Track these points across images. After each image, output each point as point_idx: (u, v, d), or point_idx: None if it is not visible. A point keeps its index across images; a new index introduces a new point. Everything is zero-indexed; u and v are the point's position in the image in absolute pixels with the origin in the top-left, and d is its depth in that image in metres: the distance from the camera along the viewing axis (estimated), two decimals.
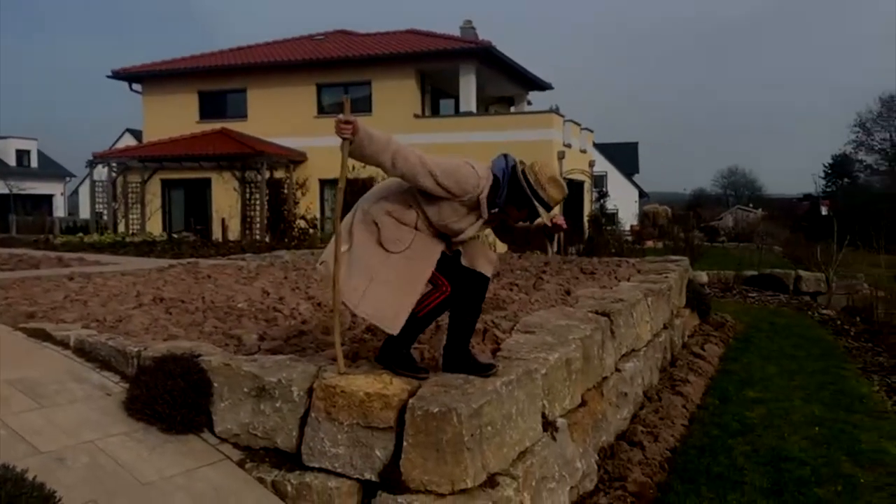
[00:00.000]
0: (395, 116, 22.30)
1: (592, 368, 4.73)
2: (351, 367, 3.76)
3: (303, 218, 17.38)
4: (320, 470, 3.31)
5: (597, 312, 5.31)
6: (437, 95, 25.66)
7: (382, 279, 3.41)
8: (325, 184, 22.86)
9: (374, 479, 3.19)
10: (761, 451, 4.92)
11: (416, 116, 23.28)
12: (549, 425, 3.94)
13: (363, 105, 23.25)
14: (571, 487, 3.98)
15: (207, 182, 23.04)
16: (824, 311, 12.32)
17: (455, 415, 3.07)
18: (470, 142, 21.94)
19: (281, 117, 23.36)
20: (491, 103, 28.22)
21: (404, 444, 3.12)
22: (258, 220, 19.18)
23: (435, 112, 25.42)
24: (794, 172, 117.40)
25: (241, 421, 3.59)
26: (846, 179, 57.48)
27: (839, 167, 58.29)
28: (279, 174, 20.49)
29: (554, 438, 3.91)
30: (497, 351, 4.21)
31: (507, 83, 26.18)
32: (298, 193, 19.30)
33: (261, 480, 3.35)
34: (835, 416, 5.82)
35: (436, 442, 3.06)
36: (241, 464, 3.45)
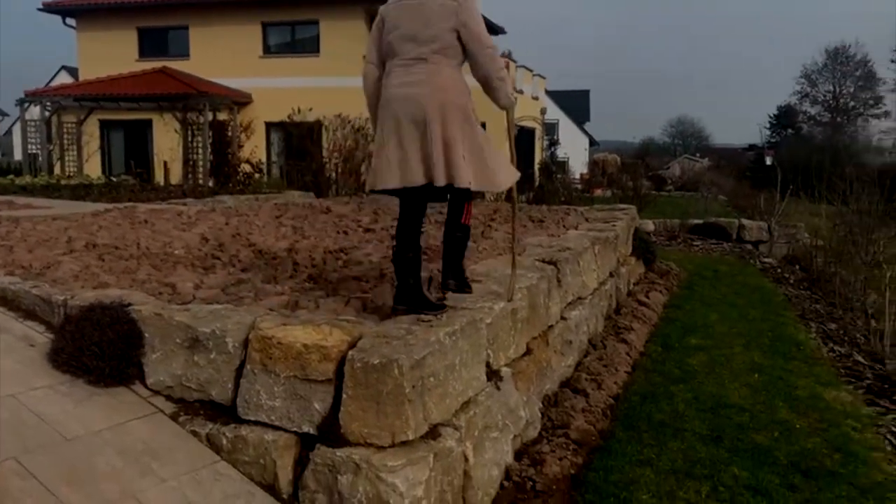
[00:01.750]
0: (344, 58, 21.62)
1: (538, 317, 4.69)
2: (290, 316, 3.64)
3: (248, 162, 16.89)
4: (257, 423, 3.20)
5: (544, 261, 5.26)
6: None
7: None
8: (270, 127, 22.26)
9: (312, 432, 3.10)
10: (702, 397, 5.00)
11: (366, 58, 22.69)
12: (493, 375, 3.89)
13: (311, 45, 22.56)
14: (515, 436, 3.96)
15: (148, 123, 22.19)
16: (766, 260, 12.60)
17: (396, 366, 2.98)
18: None
19: (225, 57, 22.49)
20: None
21: (344, 396, 3.03)
22: (201, 163, 18.59)
23: None
24: (740, 123, 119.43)
25: (173, 373, 3.45)
26: (790, 130, 58.67)
27: (784, 118, 59.42)
28: (223, 116, 19.82)
29: (498, 388, 3.87)
30: (442, 300, 4.13)
31: None
32: (243, 136, 18.72)
33: (195, 434, 3.24)
34: (773, 362, 5.95)
35: (376, 394, 2.98)
36: (174, 417, 3.33)
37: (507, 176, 3.77)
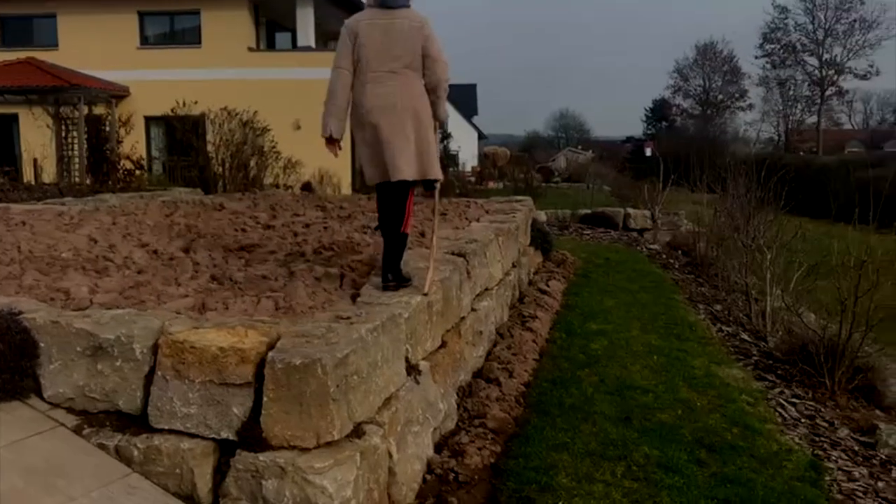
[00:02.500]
0: (228, 50, 20.99)
1: (451, 310, 4.70)
2: (199, 319, 3.48)
3: (128, 158, 16.04)
4: (171, 431, 3.04)
5: (453, 253, 5.28)
6: (272, 28, 24.40)
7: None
8: (151, 121, 21.25)
9: (231, 437, 2.98)
10: (608, 380, 5.17)
11: (251, 50, 22.05)
12: (412, 369, 3.87)
13: (191, 37, 21.69)
14: (434, 429, 3.97)
15: (14, 118, 20.66)
16: (652, 247, 13.20)
17: (320, 366, 2.90)
18: (310, 78, 20.97)
19: (98, 47, 21.22)
20: (331, 38, 27.26)
21: (264, 399, 2.93)
22: (77, 160, 17.49)
23: (271, 46, 24.20)
24: (618, 116, 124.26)
25: (75, 383, 3.23)
26: (664, 123, 61.68)
27: (658, 111, 62.41)
28: (99, 110, 18.69)
29: (417, 382, 3.86)
30: (357, 296, 4.07)
31: (348, 17, 25.32)
32: (122, 132, 17.75)
33: (102, 447, 3.04)
34: (669, 344, 6.23)
35: (299, 395, 2.89)
36: (77, 430, 3.12)
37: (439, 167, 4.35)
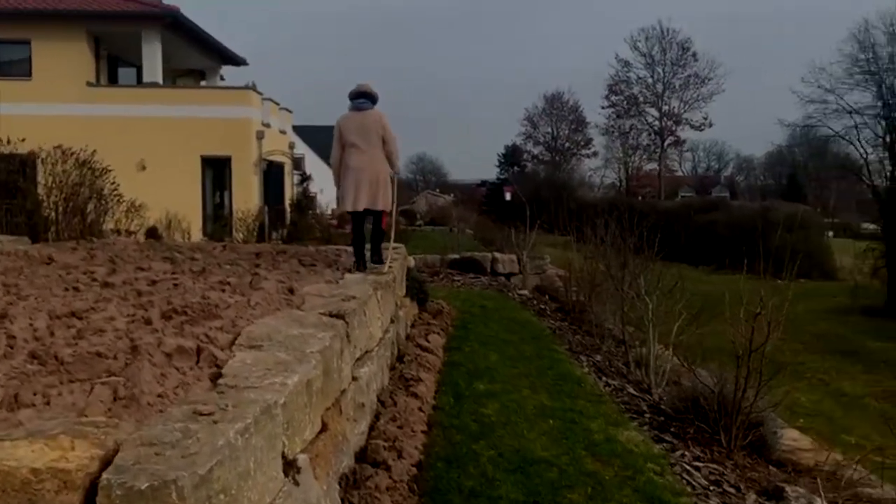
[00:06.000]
0: (63, 84, 19.29)
1: (332, 383, 4.03)
2: (8, 421, 2.63)
3: None
4: None
5: (331, 314, 4.61)
6: (115, 63, 22.73)
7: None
8: None
9: None
10: (506, 454, 4.65)
11: (90, 85, 20.36)
12: (290, 467, 3.16)
13: (20, 69, 19.77)
14: None
15: None
16: (521, 292, 13.02)
17: (175, 489, 2.17)
18: (157, 116, 19.80)
19: None
20: (180, 76, 25.83)
21: None
22: None
23: (113, 81, 22.49)
24: (472, 160, 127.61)
25: None
26: (516, 167, 63.73)
27: (511, 156, 64.43)
28: None
29: (296, 483, 3.15)
30: (218, 377, 3.31)
31: (198, 55, 24.08)
32: None
33: None
34: (562, 404, 5.84)
35: None
36: None
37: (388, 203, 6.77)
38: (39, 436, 2.41)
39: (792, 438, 6.14)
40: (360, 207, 6.48)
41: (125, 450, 2.37)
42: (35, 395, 2.99)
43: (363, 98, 6.63)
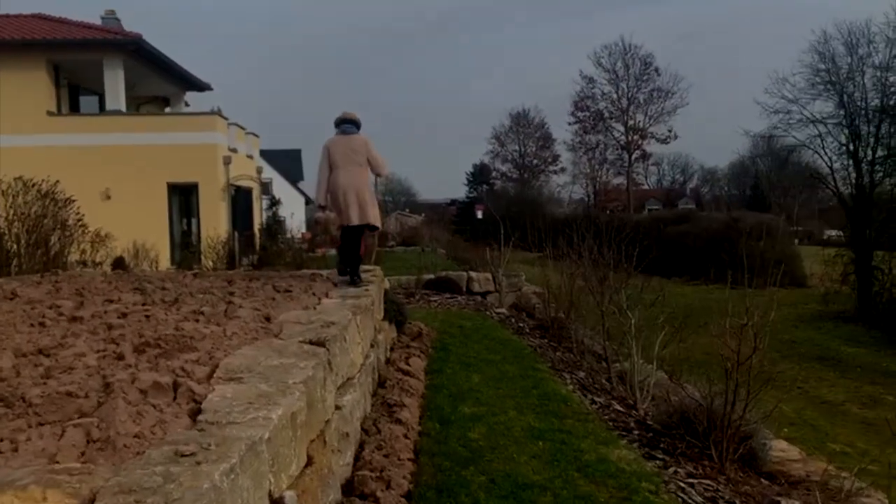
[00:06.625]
0: (22, 114, 18.90)
1: (316, 414, 3.86)
2: None
3: None
4: None
5: (311, 342, 4.45)
6: (76, 92, 22.33)
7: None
8: None
9: None
10: (497, 479, 4.51)
11: (51, 114, 19.96)
12: None
13: None
14: None
15: None
16: (499, 311, 12.91)
17: None
18: (120, 144, 19.48)
19: None
20: (143, 103, 25.47)
21: None
22: None
23: (75, 110, 22.10)
24: (440, 179, 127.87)
25: None
26: (486, 185, 63.96)
27: (479, 175, 64.68)
28: None
29: None
30: (198, 413, 3.14)
31: (162, 81, 23.78)
32: None
33: None
34: (550, 425, 5.71)
35: None
36: None
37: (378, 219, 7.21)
38: (8, 487, 2.23)
39: (780, 449, 6.09)
40: (355, 222, 6.92)
41: (102, 498, 2.20)
42: (1, 441, 2.80)
43: (348, 123, 7.11)
